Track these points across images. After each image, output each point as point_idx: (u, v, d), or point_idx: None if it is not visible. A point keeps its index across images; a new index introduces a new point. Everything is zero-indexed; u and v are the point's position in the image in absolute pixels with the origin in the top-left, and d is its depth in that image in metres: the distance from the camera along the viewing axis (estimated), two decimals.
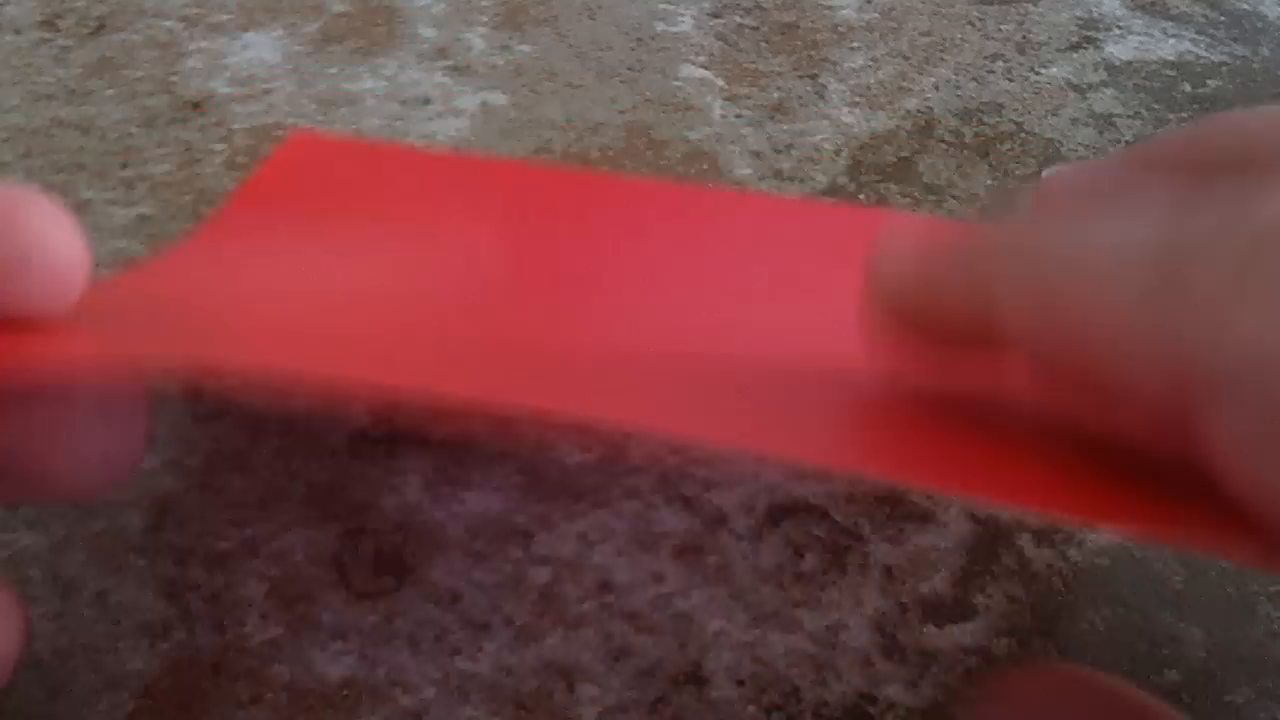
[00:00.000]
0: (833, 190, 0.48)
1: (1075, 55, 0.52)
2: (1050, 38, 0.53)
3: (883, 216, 0.46)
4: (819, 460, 0.29)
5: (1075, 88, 0.51)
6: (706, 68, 0.53)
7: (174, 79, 0.52)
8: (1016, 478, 0.23)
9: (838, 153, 0.50)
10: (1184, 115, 0.49)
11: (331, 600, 0.36)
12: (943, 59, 0.53)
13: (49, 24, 0.55)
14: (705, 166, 0.49)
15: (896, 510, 0.38)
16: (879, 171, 0.49)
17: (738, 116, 0.51)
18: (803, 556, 0.37)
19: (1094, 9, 0.54)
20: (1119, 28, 0.53)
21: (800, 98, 0.52)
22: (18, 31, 0.55)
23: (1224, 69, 0.51)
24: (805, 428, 0.28)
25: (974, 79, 0.52)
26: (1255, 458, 0.19)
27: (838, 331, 0.30)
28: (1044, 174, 0.36)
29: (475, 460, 0.38)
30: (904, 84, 0.53)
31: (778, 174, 0.49)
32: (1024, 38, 0.53)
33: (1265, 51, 0.52)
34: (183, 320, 0.32)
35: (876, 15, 0.54)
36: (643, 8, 0.54)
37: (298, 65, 0.52)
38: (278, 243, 0.41)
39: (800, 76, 0.53)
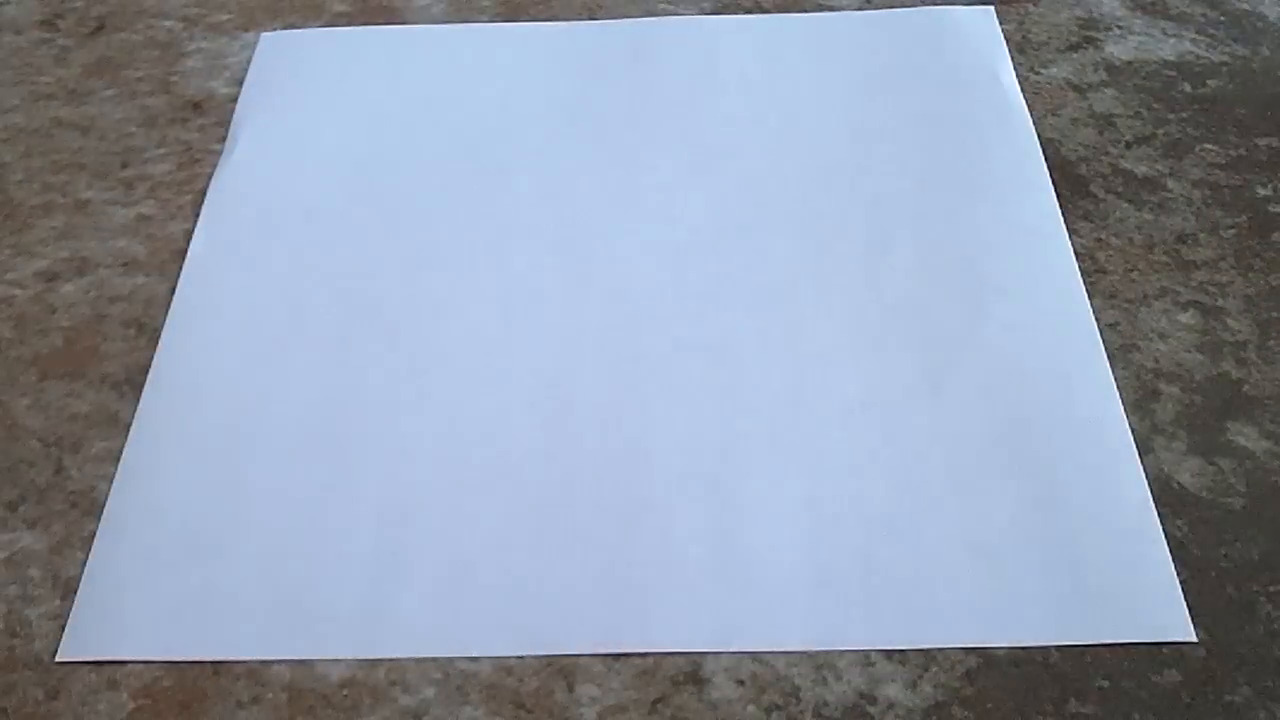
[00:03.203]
0: None
1: (1075, 55, 0.52)
2: (1050, 38, 0.53)
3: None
4: None
5: (1075, 88, 0.51)
6: None
7: (174, 79, 0.52)
8: None
9: None
10: (1184, 115, 0.49)
11: None
12: None
13: (49, 24, 0.55)
14: None
15: None
16: None
17: None
18: None
19: (1094, 9, 0.54)
20: (1119, 28, 0.53)
21: None
22: (18, 31, 0.55)
23: (1224, 69, 0.51)
24: None
25: None
26: None
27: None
28: None
29: None
30: None
31: None
32: (1024, 38, 0.53)
33: (1265, 51, 0.52)
34: None
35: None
36: (642, 7, 0.54)
37: None
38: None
39: None
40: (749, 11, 0.54)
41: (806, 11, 0.54)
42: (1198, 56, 0.52)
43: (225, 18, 0.55)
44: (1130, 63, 0.52)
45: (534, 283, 0.43)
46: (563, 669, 0.34)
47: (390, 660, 0.34)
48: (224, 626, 0.34)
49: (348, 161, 0.47)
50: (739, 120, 0.48)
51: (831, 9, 0.54)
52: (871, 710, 0.33)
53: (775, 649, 0.34)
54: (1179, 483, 0.37)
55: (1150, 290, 0.43)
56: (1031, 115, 0.49)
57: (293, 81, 0.50)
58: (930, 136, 0.47)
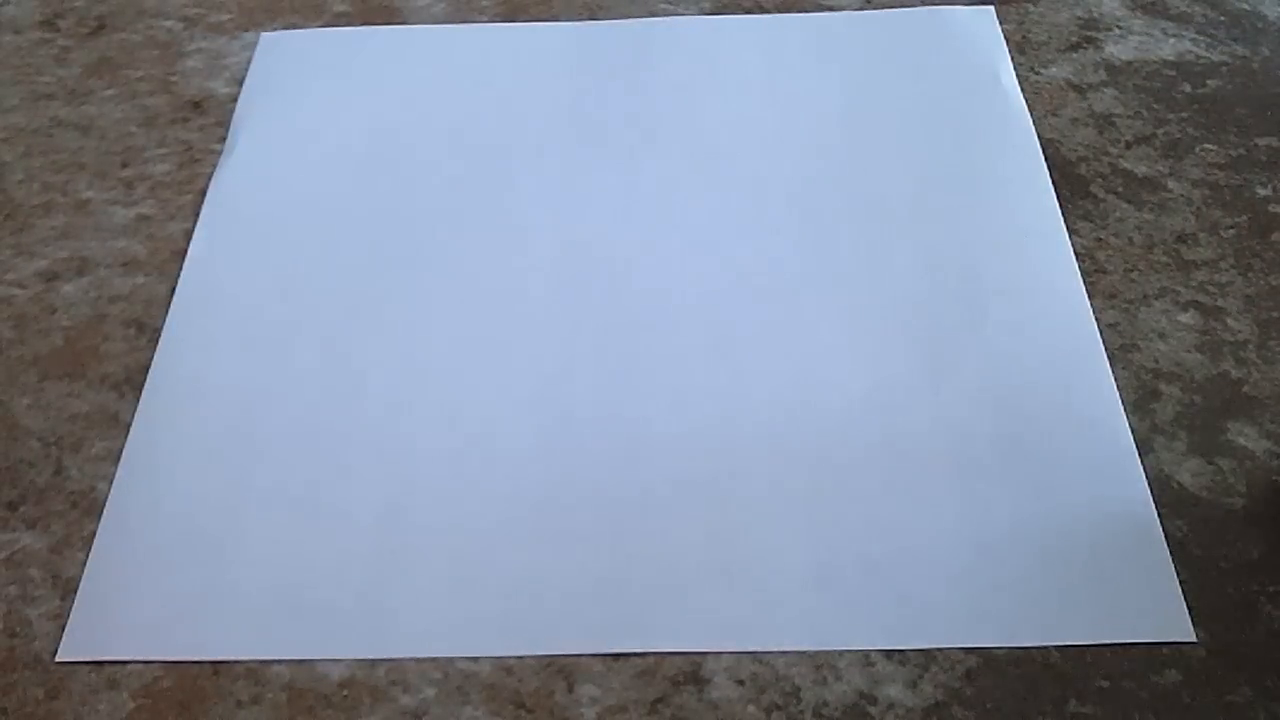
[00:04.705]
0: None
1: (1075, 55, 0.52)
2: (1050, 38, 0.53)
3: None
4: None
5: (1075, 88, 0.51)
6: None
7: (174, 79, 0.52)
8: None
9: None
10: (1184, 115, 0.49)
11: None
12: None
13: (49, 24, 0.55)
14: None
15: None
16: None
17: None
18: None
19: (1094, 9, 0.54)
20: (1119, 28, 0.53)
21: None
22: (18, 31, 0.55)
23: (1224, 69, 0.51)
24: None
25: None
26: None
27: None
28: None
29: None
30: None
31: None
32: (1024, 38, 0.53)
33: (1265, 51, 0.52)
34: None
35: None
36: (642, 7, 0.54)
37: None
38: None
39: None
40: (749, 11, 0.54)
41: (806, 11, 0.54)
42: (1198, 56, 0.52)
43: (225, 18, 0.55)
44: (1130, 63, 0.52)
45: (534, 282, 0.43)
46: (563, 669, 0.34)
47: (390, 660, 0.34)
48: (224, 626, 0.34)
49: (348, 161, 0.47)
50: (739, 120, 0.48)
51: (831, 9, 0.54)
52: (871, 710, 0.33)
53: (775, 649, 0.34)
54: (1179, 483, 0.37)
55: (1150, 290, 0.43)
56: (1031, 115, 0.49)
57: (293, 81, 0.51)
58: (930, 136, 0.47)
